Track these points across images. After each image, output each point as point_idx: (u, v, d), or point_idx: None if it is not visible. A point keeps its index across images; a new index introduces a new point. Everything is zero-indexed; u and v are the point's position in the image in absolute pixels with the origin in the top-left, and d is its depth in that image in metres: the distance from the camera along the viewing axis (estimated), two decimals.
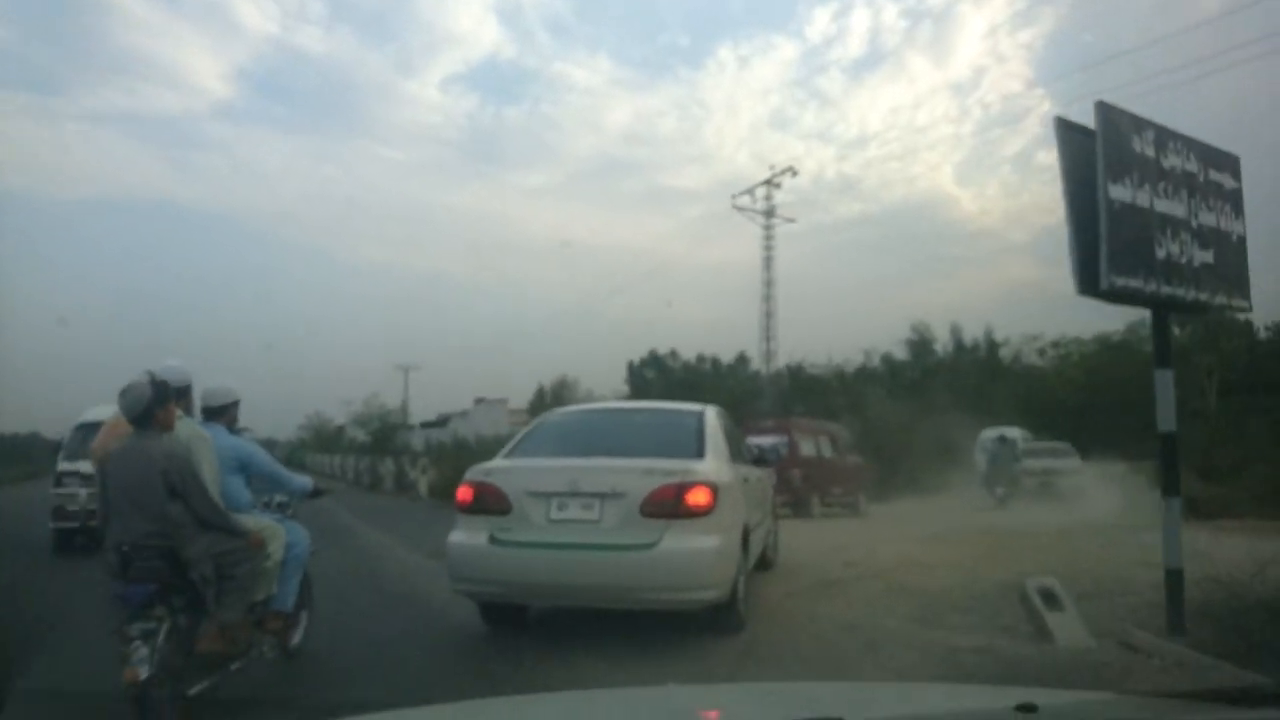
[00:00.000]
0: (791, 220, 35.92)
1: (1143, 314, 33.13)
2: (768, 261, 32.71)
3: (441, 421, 69.95)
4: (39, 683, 4.42)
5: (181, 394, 4.39)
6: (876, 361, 23.00)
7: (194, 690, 3.85)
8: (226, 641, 4.03)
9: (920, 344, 22.87)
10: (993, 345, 21.06)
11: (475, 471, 5.44)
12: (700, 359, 66.53)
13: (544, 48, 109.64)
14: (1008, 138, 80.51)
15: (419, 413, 71.69)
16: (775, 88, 64.41)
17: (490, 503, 5.16)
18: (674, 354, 66.64)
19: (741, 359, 63.80)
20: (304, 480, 5.19)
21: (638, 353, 67.79)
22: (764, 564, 6.71)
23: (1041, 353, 35.48)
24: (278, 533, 4.65)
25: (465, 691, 4.05)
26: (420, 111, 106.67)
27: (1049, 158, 77.59)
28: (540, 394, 61.57)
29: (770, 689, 2.85)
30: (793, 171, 32.52)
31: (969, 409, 18.78)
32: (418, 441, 66.50)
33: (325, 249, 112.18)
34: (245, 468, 4.67)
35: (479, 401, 67.75)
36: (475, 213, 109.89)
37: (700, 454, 5.35)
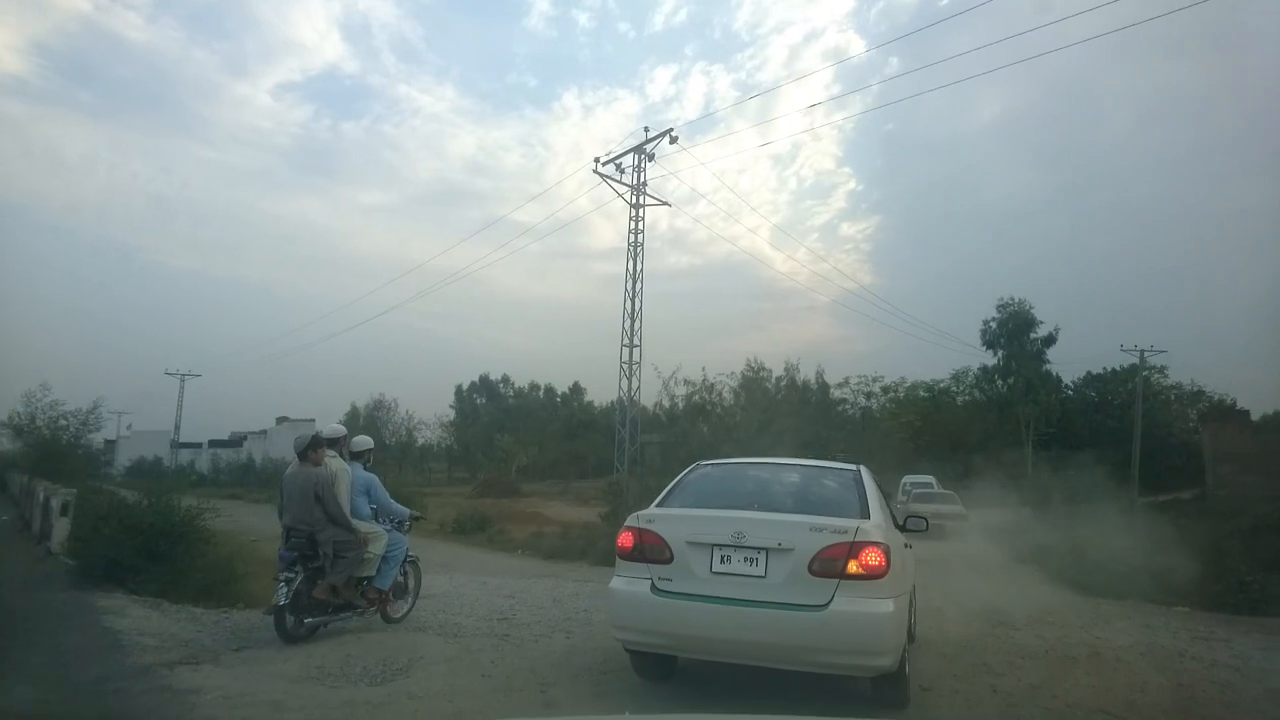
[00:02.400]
0: (666, 204, 27.25)
1: (968, 363, 34.29)
2: (635, 249, 24.35)
3: (236, 441, 61.96)
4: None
5: (335, 442, 7.05)
6: (722, 395, 20.82)
7: (308, 620, 6.40)
8: (331, 595, 6.51)
9: (755, 381, 20.92)
10: (824, 386, 19.63)
11: (636, 518, 5.28)
12: (534, 386, 64.22)
13: (389, 69, 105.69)
14: (817, 209, 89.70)
15: (211, 429, 63.42)
16: (616, 139, 66.95)
17: (651, 551, 5.04)
18: (506, 380, 63.78)
19: (576, 389, 62.25)
20: (403, 509, 7.55)
21: (467, 377, 65.03)
22: (909, 636, 5.90)
23: (869, 395, 36.59)
24: (380, 536, 7.00)
25: None
26: (249, 115, 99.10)
27: (851, 229, 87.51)
28: (353, 414, 55.83)
29: None
30: (671, 137, 24.92)
31: (818, 447, 17.04)
32: (204, 462, 58.63)
33: (125, 246, 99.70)
34: (368, 492, 7.16)
35: (281, 421, 60.51)
36: (301, 224, 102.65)
37: (866, 513, 5.11)
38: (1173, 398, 44.77)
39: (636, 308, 23.81)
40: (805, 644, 4.65)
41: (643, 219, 24.96)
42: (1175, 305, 64.51)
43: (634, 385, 22.80)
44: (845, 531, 4.73)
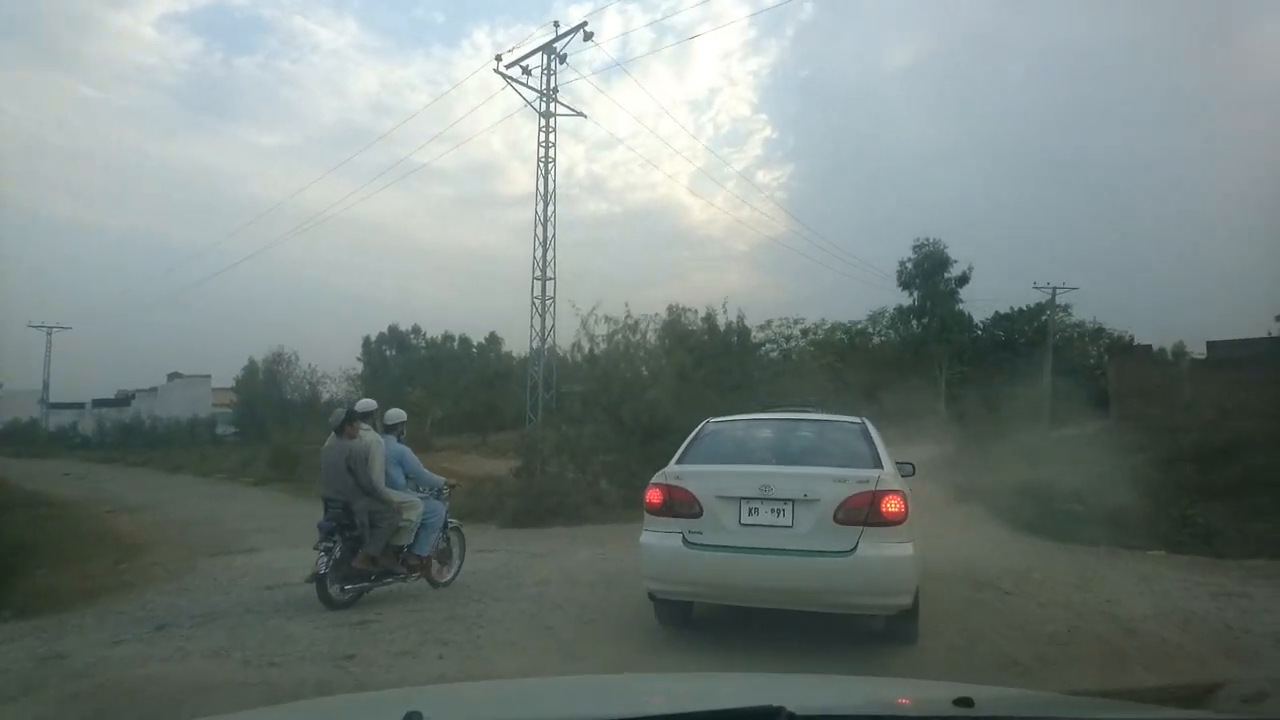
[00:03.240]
0: (580, 114, 23.26)
1: (885, 303, 34.12)
2: (545, 165, 21.34)
3: (123, 400, 57.57)
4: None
5: (367, 416, 7.25)
6: (647, 336, 19.22)
7: (348, 587, 6.73)
8: (369, 564, 6.80)
9: (678, 324, 19.64)
10: (745, 330, 18.59)
11: (664, 475, 5.41)
12: (447, 337, 61.63)
13: (284, 0, 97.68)
14: (734, 156, 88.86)
15: (97, 388, 58.77)
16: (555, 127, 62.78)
17: (680, 506, 5.23)
18: (418, 330, 60.96)
19: (493, 339, 60.14)
20: (437, 478, 7.77)
21: (375, 328, 61.94)
22: None
23: (789, 339, 36.34)
24: (415, 504, 7.22)
25: None
26: (131, 50, 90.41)
27: (767, 177, 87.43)
28: (252, 369, 52.40)
29: (718, 679, 3.05)
30: (586, 33, 21.30)
31: (749, 392, 16.05)
32: (88, 424, 54.26)
33: None
34: (401, 464, 7.36)
35: (174, 377, 56.50)
36: (192, 167, 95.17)
37: (879, 463, 5.32)
38: (1075, 335, 46.32)
39: (549, 235, 21.53)
40: (833, 587, 4.95)
41: (553, 130, 21.93)
42: (1080, 247, 66.96)
43: (548, 324, 20.90)
44: (867, 481, 5.01)
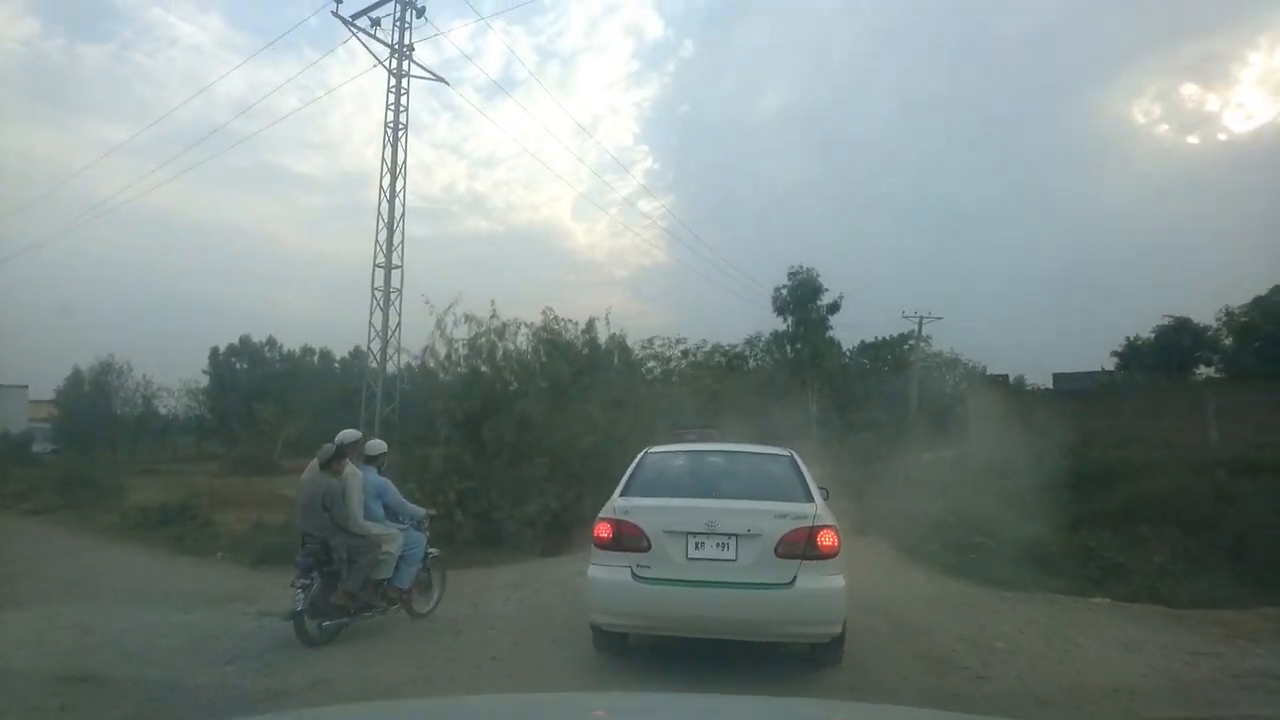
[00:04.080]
0: (440, 79, 21.10)
1: (761, 328, 34.32)
2: (394, 130, 19.03)
3: None
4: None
5: (352, 448, 7.01)
6: (518, 342, 17.60)
7: (326, 623, 6.47)
8: (347, 600, 6.58)
9: (556, 333, 18.48)
10: (626, 347, 17.57)
11: (613, 509, 5.51)
12: (307, 351, 57.64)
13: None
14: (617, 183, 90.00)
15: None
16: (411, 90, 61.09)
17: (629, 540, 5.34)
18: (272, 342, 56.65)
19: (359, 354, 56.72)
20: (418, 509, 7.59)
21: (224, 339, 57.10)
22: None
23: (669, 360, 36.07)
24: (394, 537, 6.99)
25: None
26: None
27: (648, 206, 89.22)
28: (77, 379, 46.87)
29: (681, 700, 3.05)
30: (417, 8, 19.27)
31: (630, 406, 15.03)
32: None
33: None
34: (381, 496, 7.16)
35: None
36: (23, 159, 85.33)
37: (810, 497, 5.62)
38: (934, 365, 48.67)
39: (398, 213, 18.96)
40: (773, 618, 5.22)
41: (406, 92, 19.44)
42: (937, 284, 71.21)
43: (391, 322, 18.32)
44: (805, 517, 5.26)
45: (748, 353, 41.31)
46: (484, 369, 13.23)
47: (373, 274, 19.13)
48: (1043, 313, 64.38)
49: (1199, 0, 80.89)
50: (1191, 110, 78.01)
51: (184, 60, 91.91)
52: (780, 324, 40.42)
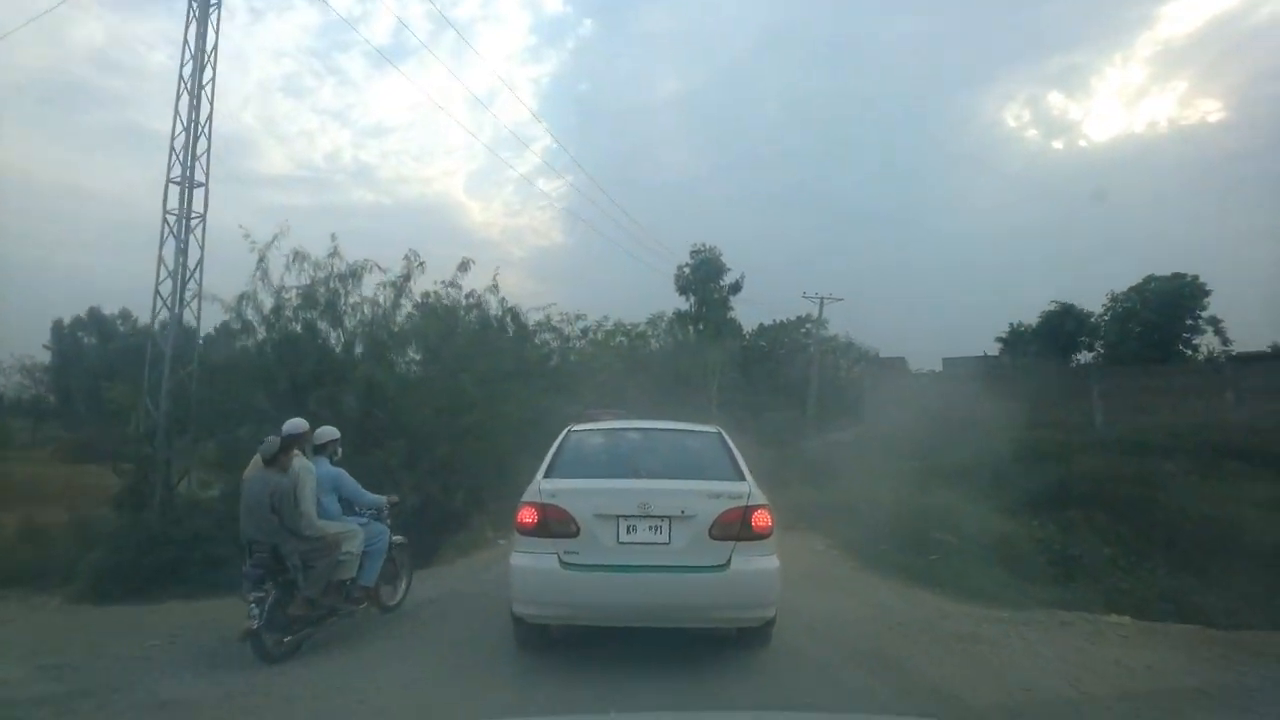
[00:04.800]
0: None
1: (664, 308, 33.18)
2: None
3: None
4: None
5: (299, 439, 6.32)
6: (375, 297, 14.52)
7: (288, 638, 5.87)
8: (308, 609, 6.03)
9: (419, 287, 16.42)
10: (521, 322, 15.74)
11: (538, 493, 5.20)
12: (165, 325, 52.39)
13: None
14: (514, 160, 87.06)
15: None
16: (291, 52, 57.18)
17: (556, 525, 5.08)
18: (126, 315, 51.27)
19: (225, 328, 51.92)
20: (378, 498, 6.88)
21: (71, 311, 51.30)
22: None
23: (567, 338, 34.44)
24: (354, 534, 6.39)
25: None
26: None
27: (548, 185, 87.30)
28: None
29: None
30: None
31: (523, 381, 13.21)
32: None
33: None
34: (336, 489, 6.56)
35: None
36: None
37: (742, 476, 5.44)
38: (829, 349, 49.17)
39: (203, 114, 13.41)
40: (708, 602, 5.06)
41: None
42: (830, 269, 72.52)
43: (190, 261, 13.15)
44: (740, 496, 5.12)
45: (650, 332, 40.21)
46: (321, 325, 10.40)
47: (165, 192, 13.53)
48: (930, 300, 66.92)
49: (1064, 17, 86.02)
50: (1057, 117, 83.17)
51: (32, 5, 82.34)
52: (683, 303, 39.54)
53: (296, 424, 6.41)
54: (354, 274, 10.58)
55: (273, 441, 6.05)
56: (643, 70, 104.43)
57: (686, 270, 38.90)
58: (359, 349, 10.36)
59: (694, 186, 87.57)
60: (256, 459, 6.13)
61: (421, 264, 10.79)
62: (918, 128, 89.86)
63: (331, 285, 10.35)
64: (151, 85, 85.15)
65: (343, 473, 6.69)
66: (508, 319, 14.03)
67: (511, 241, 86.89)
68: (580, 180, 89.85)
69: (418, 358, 10.77)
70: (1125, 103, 79.89)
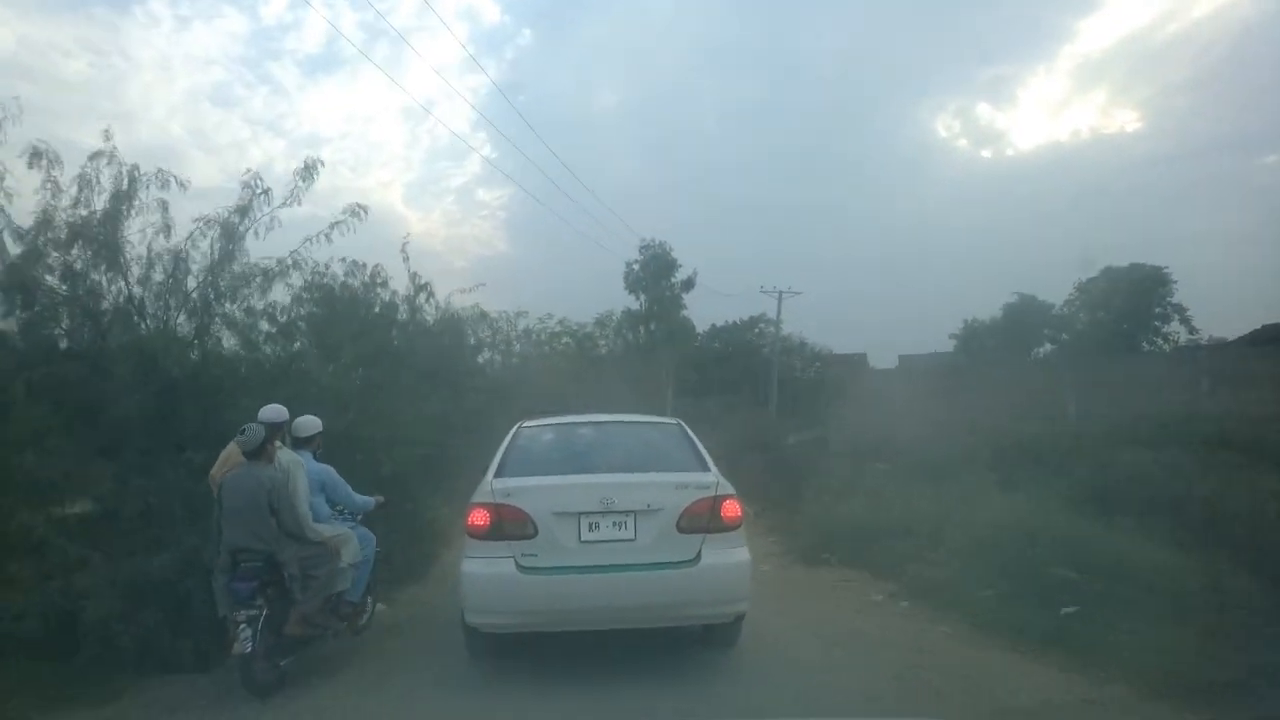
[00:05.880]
0: None
1: (612, 308, 30.98)
2: None
3: None
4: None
5: (279, 429, 5.49)
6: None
7: (283, 662, 5.12)
8: (307, 626, 5.23)
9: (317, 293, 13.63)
10: (455, 318, 13.25)
11: (491, 493, 4.85)
12: None
13: None
14: (453, 171, 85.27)
15: None
16: (220, 60, 53.92)
17: (511, 527, 4.76)
18: None
19: None
20: (367, 500, 6.03)
21: None
22: None
23: (507, 341, 32.04)
24: (349, 539, 5.65)
25: None
26: None
27: (487, 195, 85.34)
28: None
29: None
30: None
31: (438, 381, 10.81)
32: None
33: None
34: (325, 489, 5.75)
35: None
36: None
37: (706, 466, 5.23)
38: (784, 348, 47.78)
39: None
40: (678, 600, 4.78)
41: None
42: (781, 275, 71.68)
43: None
44: (707, 487, 4.89)
45: (598, 333, 38.01)
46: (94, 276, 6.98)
47: None
48: (876, 299, 66.61)
49: (992, 29, 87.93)
50: (985, 126, 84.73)
51: None
52: (633, 302, 37.41)
53: (276, 410, 5.55)
54: (130, 188, 6.88)
55: (255, 431, 5.20)
56: (581, 80, 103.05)
57: (635, 267, 36.79)
58: (178, 320, 7.20)
59: (633, 198, 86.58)
60: (230, 451, 5.37)
61: (267, 190, 7.48)
62: (855, 136, 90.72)
63: (108, 208, 6.85)
64: (70, 97, 79.94)
65: (330, 469, 5.89)
66: (421, 299, 11.45)
67: (453, 252, 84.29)
68: (520, 193, 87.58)
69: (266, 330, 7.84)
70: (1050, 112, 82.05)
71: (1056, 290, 33.58)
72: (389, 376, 8.63)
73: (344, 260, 9.42)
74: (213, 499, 5.34)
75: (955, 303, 67.01)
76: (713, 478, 4.96)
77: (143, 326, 6.60)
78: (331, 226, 7.87)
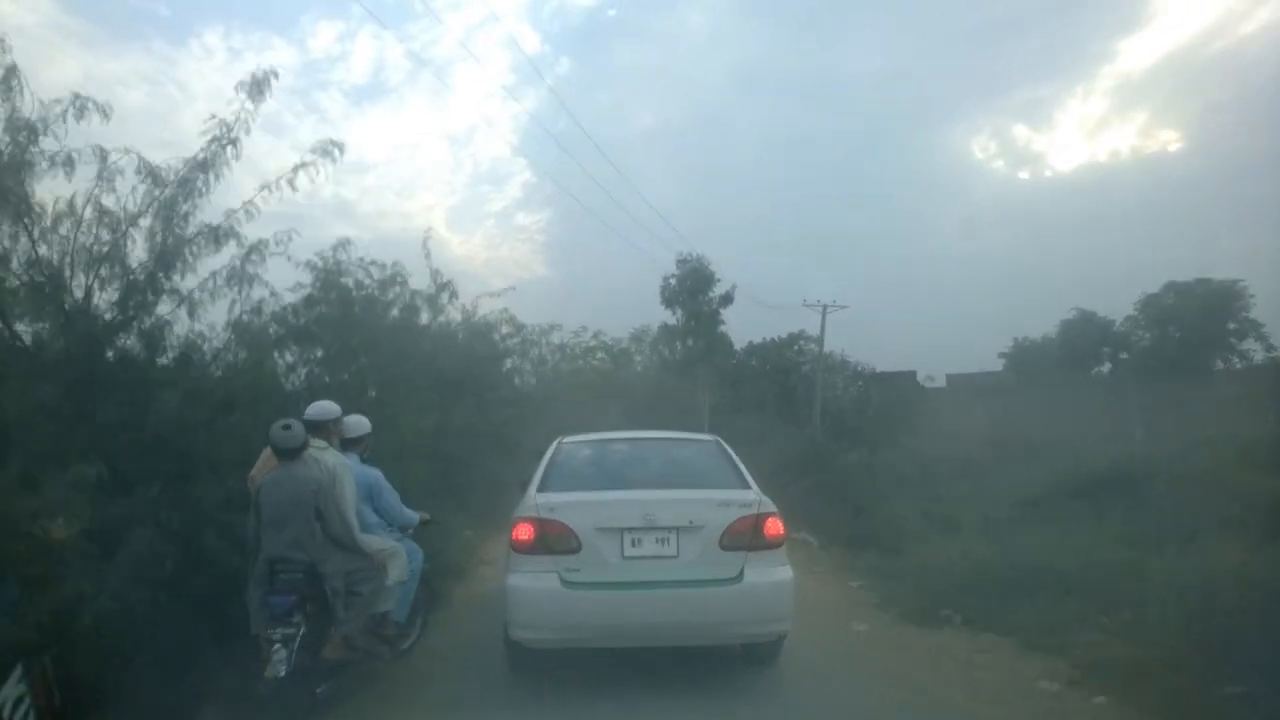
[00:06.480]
0: None
1: (649, 322, 29.93)
2: None
3: None
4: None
5: (321, 427, 4.96)
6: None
7: (321, 689, 4.55)
8: (348, 649, 4.67)
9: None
10: (479, 327, 12.19)
11: (535, 507, 4.86)
12: None
13: None
14: (493, 195, 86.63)
15: None
16: (270, 90, 54.56)
17: (555, 541, 4.74)
18: None
19: None
20: (412, 515, 5.51)
21: None
22: None
23: (541, 360, 31.11)
24: (398, 553, 5.11)
25: None
26: None
27: (526, 219, 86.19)
28: None
29: None
30: None
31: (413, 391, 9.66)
32: None
33: None
34: (372, 497, 5.24)
35: None
36: None
37: (747, 484, 5.19)
38: (827, 365, 46.35)
39: None
40: (722, 618, 4.74)
41: None
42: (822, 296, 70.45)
43: None
44: (750, 504, 4.86)
45: (633, 349, 36.92)
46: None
47: None
48: (920, 319, 65.11)
49: (1028, 51, 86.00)
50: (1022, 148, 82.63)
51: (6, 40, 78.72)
52: (669, 317, 36.27)
53: (327, 408, 5.18)
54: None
55: (298, 429, 4.73)
56: (617, 105, 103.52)
57: (673, 282, 35.61)
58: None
59: (676, 218, 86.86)
60: (266, 455, 4.89)
61: (234, 141, 6.02)
62: (888, 160, 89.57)
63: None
64: (129, 125, 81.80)
65: (379, 475, 5.42)
66: (444, 299, 10.30)
67: (494, 274, 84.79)
68: (559, 213, 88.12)
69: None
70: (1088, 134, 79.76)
71: (1111, 308, 31.78)
72: (404, 384, 7.49)
73: (362, 260, 8.34)
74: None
75: (1000, 322, 65.22)
76: (754, 495, 4.95)
77: (65, 301, 5.39)
78: (296, 170, 6.53)
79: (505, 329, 12.76)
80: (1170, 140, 75.69)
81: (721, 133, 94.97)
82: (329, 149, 6.73)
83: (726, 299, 36.93)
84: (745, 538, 4.73)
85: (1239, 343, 27.13)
